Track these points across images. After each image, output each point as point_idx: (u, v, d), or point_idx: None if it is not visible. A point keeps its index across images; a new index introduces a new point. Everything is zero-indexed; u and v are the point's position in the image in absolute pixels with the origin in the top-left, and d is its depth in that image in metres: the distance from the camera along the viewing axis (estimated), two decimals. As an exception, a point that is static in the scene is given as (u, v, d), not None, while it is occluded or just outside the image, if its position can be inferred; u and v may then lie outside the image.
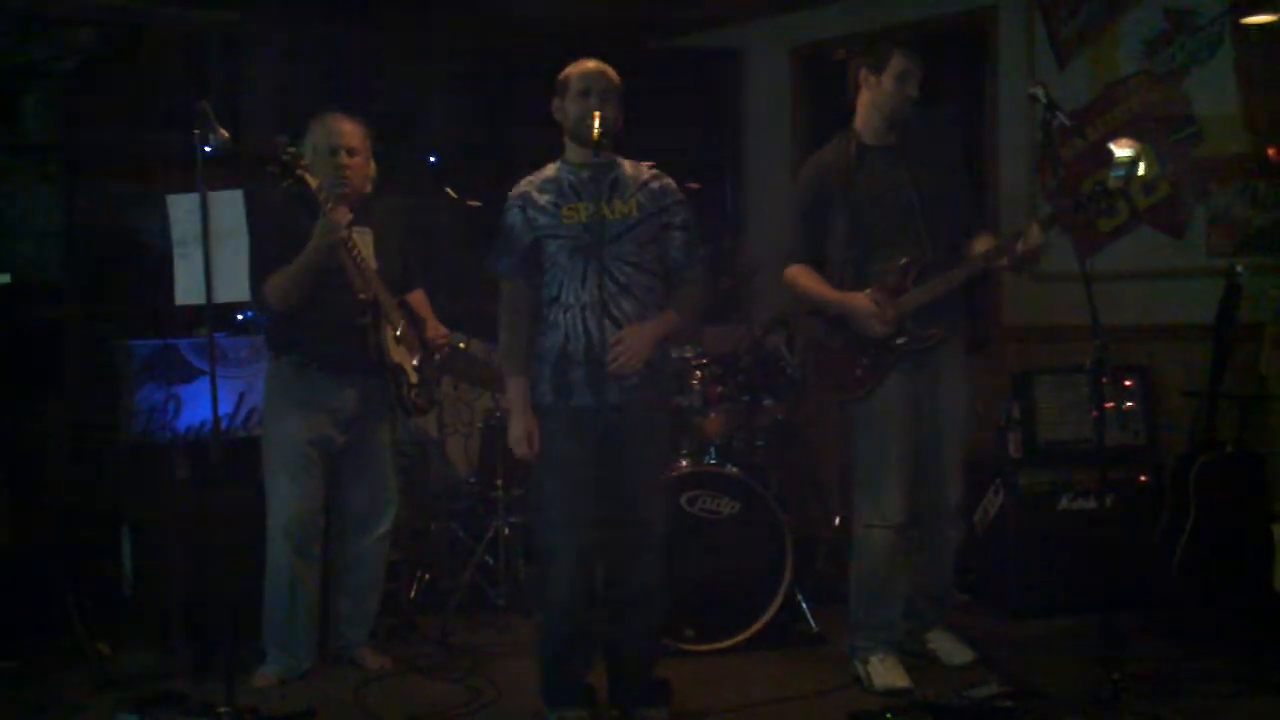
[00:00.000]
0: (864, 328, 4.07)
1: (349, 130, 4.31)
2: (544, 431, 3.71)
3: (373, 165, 4.39)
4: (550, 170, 3.80)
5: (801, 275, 4.22)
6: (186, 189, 3.81)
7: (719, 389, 4.90)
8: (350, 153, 4.29)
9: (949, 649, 4.27)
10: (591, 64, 3.75)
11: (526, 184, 3.78)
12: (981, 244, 4.12)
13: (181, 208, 3.86)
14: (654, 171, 3.84)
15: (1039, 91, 4.16)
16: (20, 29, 5.18)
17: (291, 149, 4.12)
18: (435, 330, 4.50)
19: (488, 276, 3.85)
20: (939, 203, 4.13)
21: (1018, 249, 3.99)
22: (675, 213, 3.80)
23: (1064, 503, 4.86)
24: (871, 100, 4.16)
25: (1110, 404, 4.80)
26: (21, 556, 4.61)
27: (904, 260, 4.07)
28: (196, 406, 4.91)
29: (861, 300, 4.07)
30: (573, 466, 3.68)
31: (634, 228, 3.71)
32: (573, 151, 3.78)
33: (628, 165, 3.80)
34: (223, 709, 3.62)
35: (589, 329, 3.64)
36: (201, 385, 4.85)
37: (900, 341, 4.07)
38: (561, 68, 3.79)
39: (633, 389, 3.65)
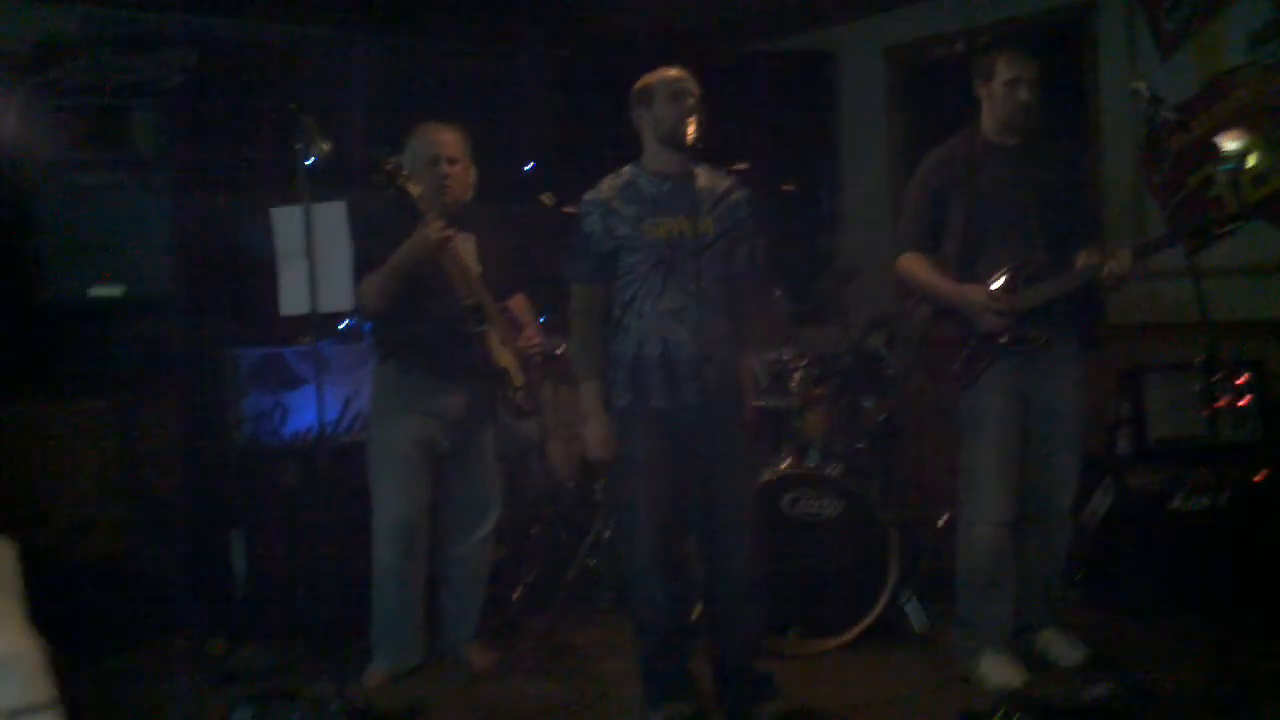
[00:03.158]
0: (977, 320, 4.04)
1: (448, 139, 4.36)
2: (623, 434, 3.74)
3: (473, 171, 4.44)
4: (628, 176, 3.80)
5: (915, 264, 4.20)
6: (290, 201, 3.88)
7: (819, 390, 4.88)
8: (450, 161, 4.33)
9: (1061, 648, 4.20)
10: (674, 71, 3.76)
11: (607, 190, 3.79)
12: (1085, 257, 4.06)
13: (285, 220, 3.93)
14: (730, 182, 3.84)
15: (1141, 86, 4.11)
16: (127, 49, 5.31)
17: (394, 160, 4.18)
18: (529, 338, 4.52)
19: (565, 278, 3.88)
20: (1055, 207, 4.09)
21: (1105, 273, 3.95)
22: (747, 225, 3.84)
23: (1177, 502, 4.74)
24: (988, 106, 4.16)
25: (1223, 401, 4.72)
26: (141, 560, 4.71)
27: (1018, 260, 4.04)
28: (303, 413, 4.99)
29: (977, 292, 4.04)
30: (654, 467, 3.71)
31: (712, 244, 3.73)
32: (654, 159, 3.78)
33: (704, 176, 3.80)
34: (334, 705, 3.67)
35: (664, 335, 3.67)
36: (307, 392, 4.94)
37: (1005, 340, 4.03)
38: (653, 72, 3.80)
39: (707, 389, 3.67)
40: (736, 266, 3.81)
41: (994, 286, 4.04)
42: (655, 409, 3.69)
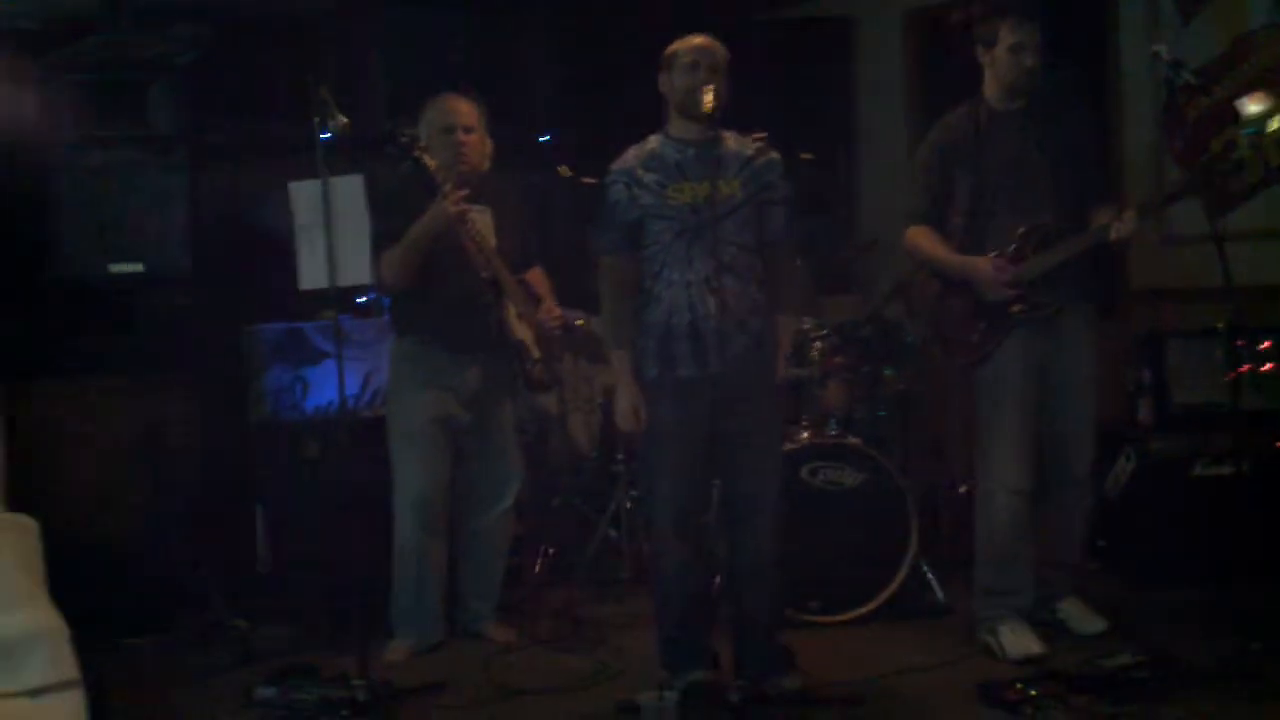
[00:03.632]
0: (984, 291, 4.02)
1: (464, 109, 4.35)
2: (650, 404, 3.73)
3: (489, 143, 4.43)
4: (653, 145, 3.78)
5: (922, 237, 4.19)
6: (308, 175, 3.88)
7: (838, 359, 4.86)
8: (466, 130, 4.32)
9: (1080, 618, 4.19)
10: (699, 38, 3.73)
11: (632, 159, 3.77)
12: (1102, 216, 4.03)
13: (303, 194, 3.94)
14: (759, 145, 3.80)
15: (1162, 50, 4.07)
16: (143, 25, 5.31)
17: (409, 131, 4.17)
18: (549, 311, 4.51)
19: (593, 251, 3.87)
20: (1066, 169, 4.06)
21: (1111, 235, 3.91)
22: (777, 188, 3.78)
23: (1198, 469, 4.70)
24: (991, 72, 4.12)
25: (1246, 367, 4.68)
26: (162, 537, 4.74)
27: (1025, 227, 4.02)
28: (323, 387, 5.01)
29: (983, 264, 4.03)
30: (680, 437, 3.69)
31: (738, 208, 3.69)
32: (677, 126, 3.76)
33: (731, 140, 3.77)
34: (356, 681, 3.69)
35: (693, 304, 3.64)
36: (327, 367, 4.95)
37: (1017, 309, 4.02)
38: (673, 41, 3.78)
39: (737, 359, 3.65)
40: (767, 231, 3.77)
41: (1003, 255, 4.02)
42: (683, 379, 3.68)
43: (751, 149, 3.79)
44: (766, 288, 3.77)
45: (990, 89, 4.15)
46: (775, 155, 3.82)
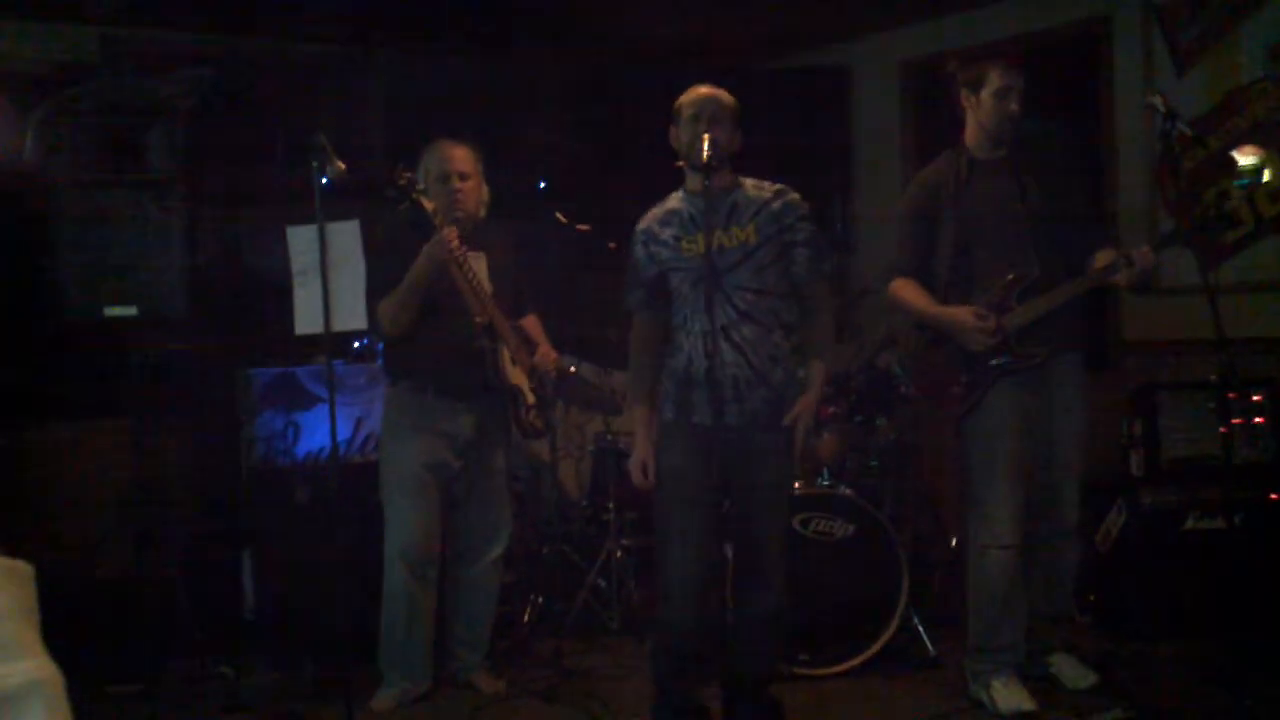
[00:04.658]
0: (966, 342, 4.02)
1: (460, 155, 4.37)
2: (664, 447, 3.73)
3: (486, 189, 4.45)
4: (673, 202, 3.80)
5: (905, 289, 4.19)
6: (305, 220, 3.90)
7: (831, 409, 4.86)
8: (462, 177, 4.34)
9: (1071, 672, 4.17)
10: (704, 89, 3.73)
11: (651, 217, 3.81)
12: (1102, 259, 4.02)
13: (300, 239, 3.95)
14: (777, 189, 3.79)
15: (1157, 101, 4.06)
16: (144, 70, 5.34)
17: (408, 174, 4.20)
18: (545, 354, 4.52)
19: (597, 301, 3.88)
20: (1052, 218, 4.05)
21: (1134, 266, 3.88)
22: (799, 230, 3.74)
23: (1190, 522, 4.70)
24: (975, 118, 4.13)
25: (1238, 420, 4.69)
26: (148, 581, 4.72)
27: (1009, 276, 4.01)
28: (315, 433, 5.00)
29: (964, 314, 4.02)
30: (690, 482, 3.66)
31: (752, 253, 3.68)
32: (691, 180, 3.78)
33: (749, 187, 3.77)
34: (342, 730, 3.68)
35: (710, 353, 3.63)
36: (320, 412, 4.95)
37: (1000, 360, 4.01)
38: (670, 89, 3.79)
39: (753, 412, 3.65)
40: (792, 274, 3.75)
41: (987, 305, 4.01)
42: (698, 425, 3.66)
43: (770, 193, 3.76)
44: (794, 333, 3.75)
45: (972, 137, 4.16)
46: (795, 197, 3.78)
